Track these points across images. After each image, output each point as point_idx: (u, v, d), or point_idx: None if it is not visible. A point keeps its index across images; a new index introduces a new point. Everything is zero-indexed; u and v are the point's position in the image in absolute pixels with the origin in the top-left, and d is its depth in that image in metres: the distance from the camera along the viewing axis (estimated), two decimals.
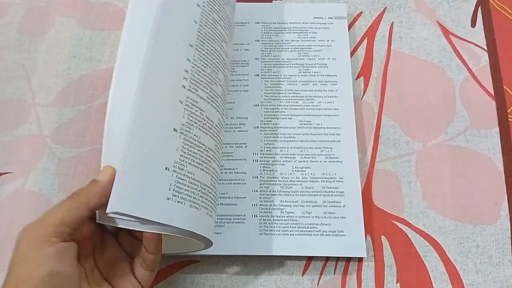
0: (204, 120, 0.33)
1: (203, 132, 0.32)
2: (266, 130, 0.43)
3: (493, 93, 0.45)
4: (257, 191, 0.40)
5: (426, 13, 0.49)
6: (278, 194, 0.40)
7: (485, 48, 0.47)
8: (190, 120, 0.31)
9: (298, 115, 0.43)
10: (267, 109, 0.44)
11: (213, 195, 0.33)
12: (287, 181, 0.41)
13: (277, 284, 0.38)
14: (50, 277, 0.25)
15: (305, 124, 0.43)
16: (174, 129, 0.30)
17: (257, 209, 0.39)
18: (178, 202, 0.29)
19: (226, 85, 0.38)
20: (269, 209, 0.39)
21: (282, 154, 0.42)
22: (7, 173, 0.43)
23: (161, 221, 0.28)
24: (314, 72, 0.45)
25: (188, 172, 0.30)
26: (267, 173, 0.41)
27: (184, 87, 0.32)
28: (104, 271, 0.31)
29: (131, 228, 0.28)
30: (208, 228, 0.32)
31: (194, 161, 0.31)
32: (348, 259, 0.39)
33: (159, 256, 0.31)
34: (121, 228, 0.29)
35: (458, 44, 0.47)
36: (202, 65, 0.34)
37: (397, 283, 0.38)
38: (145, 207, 0.28)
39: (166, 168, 0.29)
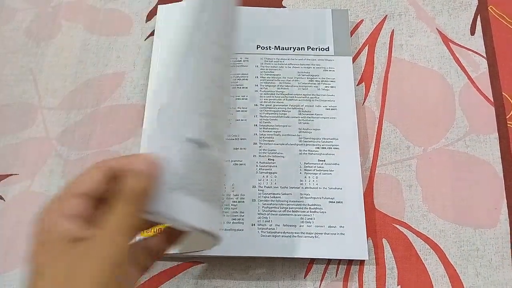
0: None
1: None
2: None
3: (492, 99, 0.45)
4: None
5: (426, 21, 0.50)
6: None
7: (484, 55, 0.48)
8: None
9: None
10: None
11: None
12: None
13: (279, 287, 0.39)
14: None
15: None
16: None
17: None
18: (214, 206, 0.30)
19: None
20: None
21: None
22: (14, 174, 0.44)
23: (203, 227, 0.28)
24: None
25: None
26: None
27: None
28: None
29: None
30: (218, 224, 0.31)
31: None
32: (349, 262, 0.39)
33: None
34: None
35: (457, 52, 0.48)
36: None
37: (398, 285, 0.38)
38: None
39: None
